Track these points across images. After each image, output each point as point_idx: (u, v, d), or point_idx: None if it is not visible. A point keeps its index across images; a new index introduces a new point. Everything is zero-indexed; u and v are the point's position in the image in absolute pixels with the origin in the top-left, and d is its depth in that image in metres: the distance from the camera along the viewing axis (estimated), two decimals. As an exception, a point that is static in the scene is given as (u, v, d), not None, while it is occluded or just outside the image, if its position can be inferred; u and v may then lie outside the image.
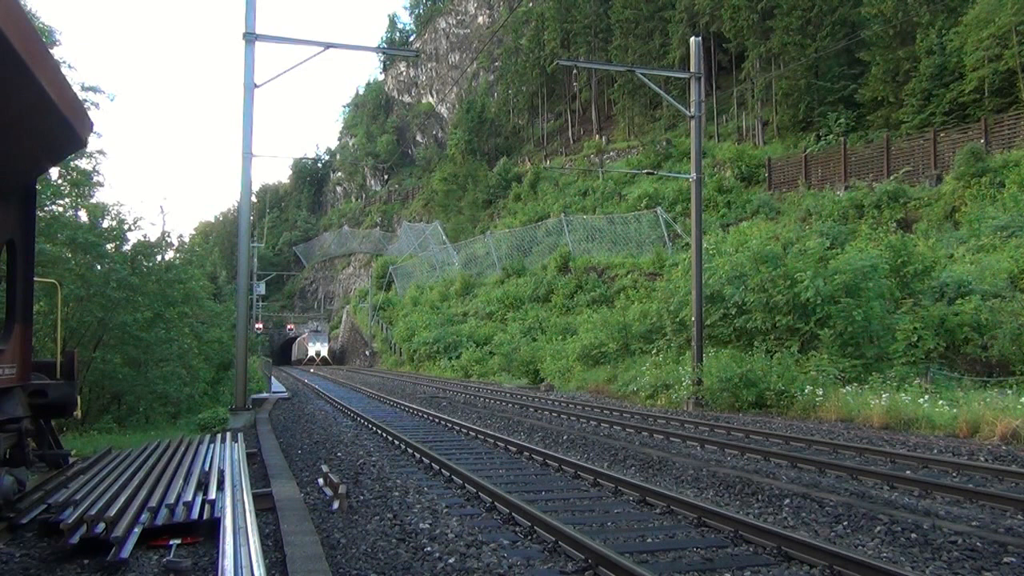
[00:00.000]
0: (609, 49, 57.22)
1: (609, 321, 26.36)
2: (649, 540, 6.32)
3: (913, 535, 6.19)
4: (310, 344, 67.53)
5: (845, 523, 6.70)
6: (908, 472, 9.08)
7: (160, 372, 18.89)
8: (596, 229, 42.66)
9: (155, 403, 18.88)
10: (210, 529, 6.15)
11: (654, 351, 23.18)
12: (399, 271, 67.34)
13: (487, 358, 36.05)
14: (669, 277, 26.01)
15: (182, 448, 10.21)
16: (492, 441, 12.44)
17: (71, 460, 9.20)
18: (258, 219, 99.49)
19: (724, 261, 21.01)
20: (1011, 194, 23.45)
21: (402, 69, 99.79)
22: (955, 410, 12.85)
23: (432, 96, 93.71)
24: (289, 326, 79.82)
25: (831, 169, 33.63)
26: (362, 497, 7.96)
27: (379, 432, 13.81)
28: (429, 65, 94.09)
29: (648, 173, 32.26)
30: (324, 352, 67.09)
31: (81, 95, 17.53)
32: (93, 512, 6.11)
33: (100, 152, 19.76)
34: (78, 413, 9.18)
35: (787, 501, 7.54)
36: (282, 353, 77.15)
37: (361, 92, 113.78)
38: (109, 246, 19.38)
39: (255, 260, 57.13)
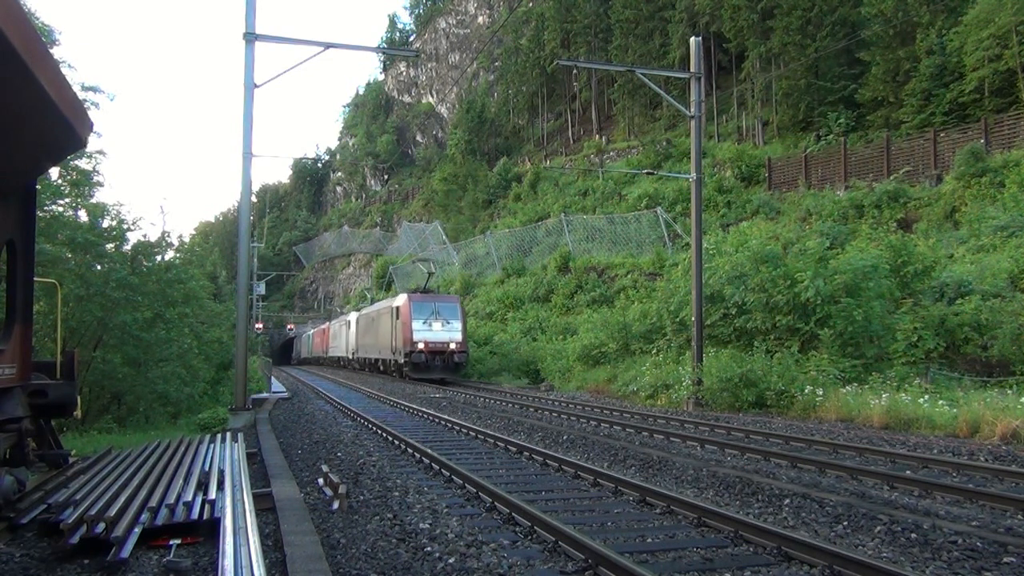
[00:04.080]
0: (609, 49, 57.20)
1: (609, 321, 26.35)
2: (649, 540, 6.32)
3: (913, 535, 6.19)
4: (414, 321, 29.49)
5: (845, 523, 6.70)
6: (908, 472, 9.08)
7: (160, 372, 18.87)
8: (596, 229, 42.65)
9: (155, 403, 18.86)
10: (210, 529, 6.15)
11: (654, 351, 23.18)
12: (399, 271, 67.33)
13: (487, 358, 36.02)
14: (669, 277, 26.01)
15: (182, 448, 10.21)
16: (492, 441, 12.44)
17: (71, 460, 9.19)
18: (258, 219, 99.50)
19: (724, 261, 21.01)
20: (1011, 194, 23.45)
21: (402, 69, 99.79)
22: (955, 410, 12.85)
23: (432, 96, 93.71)
24: (289, 326, 79.44)
25: (831, 169, 33.63)
26: (362, 497, 7.96)
27: (379, 432, 13.81)
28: (429, 65, 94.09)
29: (648, 173, 32.25)
30: (456, 342, 29.88)
31: (81, 95, 17.53)
32: (93, 512, 6.12)
33: (100, 152, 19.70)
34: (78, 413, 9.18)
35: (787, 501, 7.54)
36: (282, 353, 76.79)
37: (361, 92, 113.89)
38: (109, 246, 19.37)
39: (255, 260, 55.58)
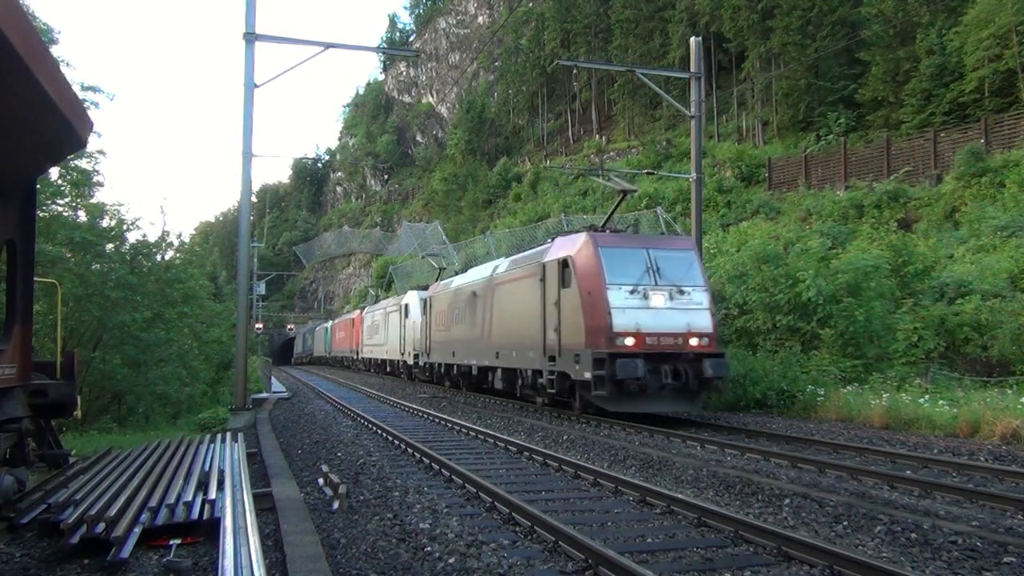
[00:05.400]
0: (609, 49, 57.22)
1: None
2: (649, 540, 6.32)
3: (913, 535, 6.19)
4: (611, 290, 13.93)
5: (845, 523, 6.69)
6: (908, 472, 9.08)
7: (160, 372, 18.89)
8: (596, 229, 42.54)
9: (155, 403, 18.88)
10: (210, 529, 6.15)
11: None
12: (399, 271, 67.32)
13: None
14: (669, 277, 25.90)
15: (182, 448, 10.21)
16: (492, 441, 12.44)
17: (71, 460, 9.20)
18: (258, 219, 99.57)
19: (725, 260, 21.02)
20: (1011, 194, 23.45)
21: (402, 69, 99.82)
22: (955, 410, 12.85)
23: (432, 96, 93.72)
24: (289, 326, 79.32)
25: (831, 169, 33.63)
26: (362, 497, 7.96)
27: (379, 432, 13.81)
28: (429, 65, 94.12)
29: (648, 173, 32.23)
30: (703, 333, 14.01)
31: (81, 95, 17.54)
32: (93, 512, 6.12)
33: (100, 152, 19.74)
34: (78, 413, 9.19)
35: (787, 501, 7.54)
36: (282, 353, 76.62)
37: (361, 92, 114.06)
38: (108, 246, 19.38)
39: (255, 260, 54.88)
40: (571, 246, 15.31)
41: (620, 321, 13.83)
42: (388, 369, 35.30)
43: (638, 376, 13.25)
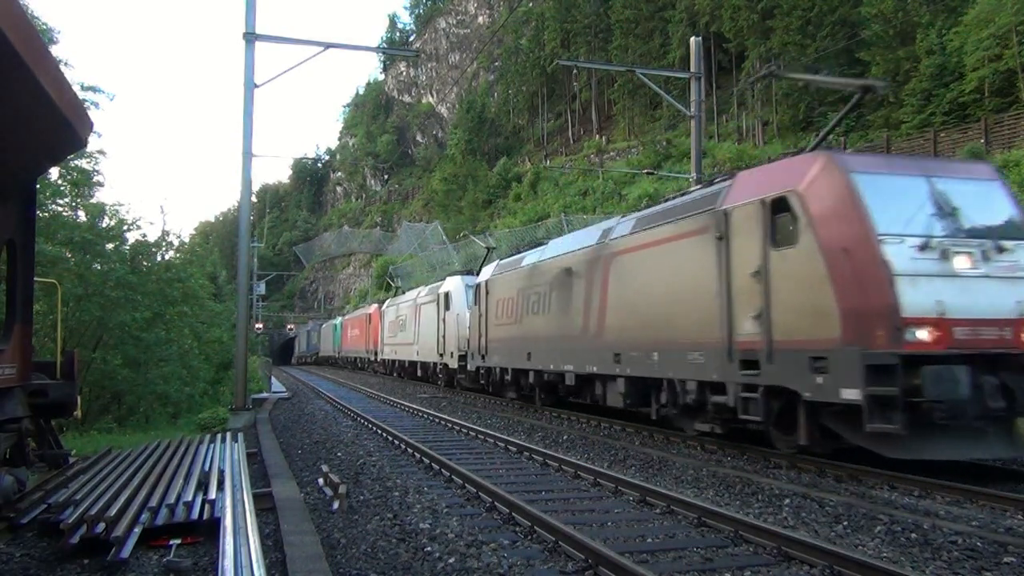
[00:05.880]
0: (609, 49, 57.26)
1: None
2: (649, 540, 6.32)
3: (913, 535, 6.20)
4: (888, 243, 7.97)
5: (845, 523, 6.70)
6: (908, 472, 9.07)
7: (160, 372, 18.89)
8: (596, 229, 42.38)
9: (155, 403, 18.88)
10: (210, 529, 6.15)
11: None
12: (399, 271, 67.38)
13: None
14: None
15: (182, 448, 10.22)
16: (492, 441, 12.44)
17: (71, 460, 9.21)
18: (258, 219, 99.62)
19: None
20: (1011, 194, 23.45)
21: (402, 69, 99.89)
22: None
23: (432, 96, 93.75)
24: (289, 326, 79.30)
25: (831, 169, 33.61)
26: (362, 497, 7.97)
27: (379, 432, 13.81)
28: (429, 65, 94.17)
29: (648, 173, 32.31)
30: None
31: (81, 95, 17.54)
32: (93, 512, 6.12)
33: (100, 152, 19.77)
34: (78, 413, 9.20)
35: (787, 501, 7.54)
36: (282, 353, 76.56)
37: (361, 92, 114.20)
38: (108, 246, 19.38)
39: (255, 260, 54.88)
40: (789, 176, 9.38)
41: (912, 299, 8.02)
42: (420, 373, 29.24)
43: (961, 397, 7.65)
